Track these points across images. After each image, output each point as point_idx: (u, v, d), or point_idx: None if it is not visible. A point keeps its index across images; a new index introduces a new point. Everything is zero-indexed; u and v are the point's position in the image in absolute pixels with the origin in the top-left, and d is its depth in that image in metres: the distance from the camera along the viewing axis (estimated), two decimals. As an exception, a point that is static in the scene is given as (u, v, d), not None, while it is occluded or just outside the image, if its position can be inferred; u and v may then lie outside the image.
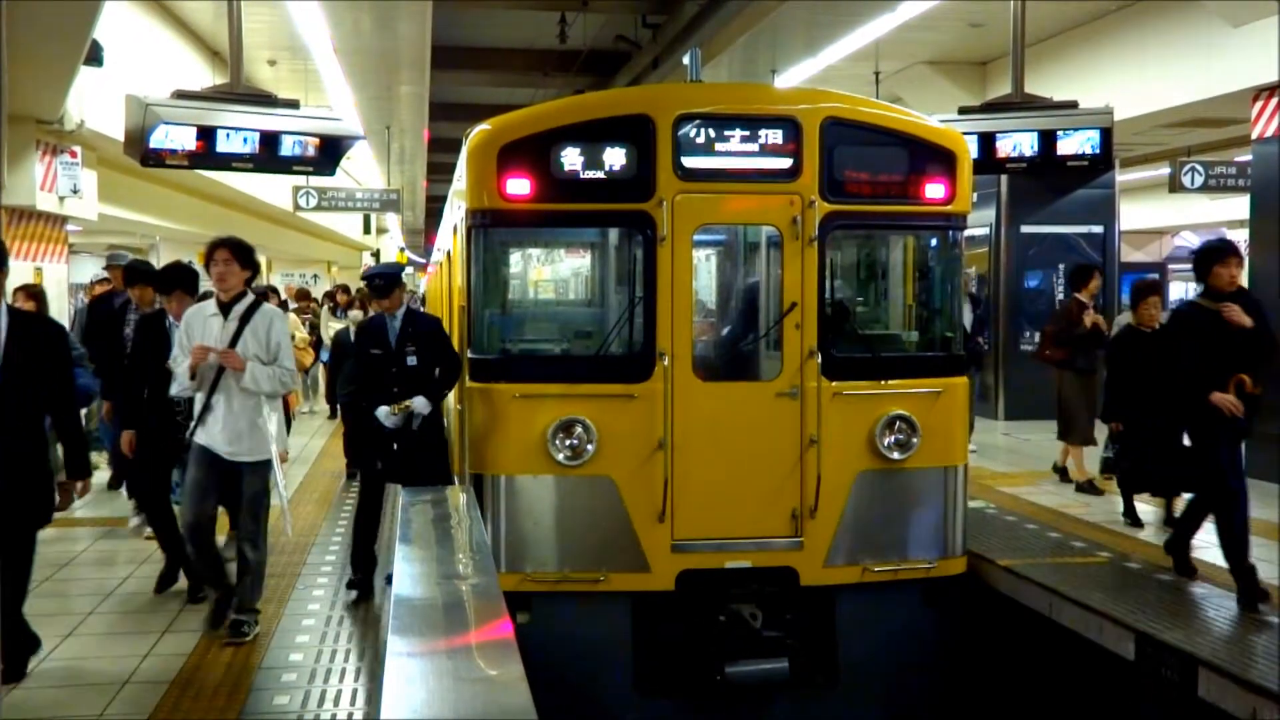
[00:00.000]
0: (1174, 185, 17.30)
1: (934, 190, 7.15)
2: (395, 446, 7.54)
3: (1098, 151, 10.34)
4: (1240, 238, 28.49)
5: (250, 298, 6.77)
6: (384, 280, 7.76)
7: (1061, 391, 10.44)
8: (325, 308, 20.10)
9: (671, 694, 7.00)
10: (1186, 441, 7.33)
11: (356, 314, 14.84)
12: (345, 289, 21.87)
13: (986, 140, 10.31)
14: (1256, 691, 5.32)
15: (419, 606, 4.10)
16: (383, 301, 7.73)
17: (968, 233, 7.71)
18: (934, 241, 7.64)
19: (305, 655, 6.34)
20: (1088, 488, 10.15)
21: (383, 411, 7.50)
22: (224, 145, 9.17)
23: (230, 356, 6.51)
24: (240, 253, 6.72)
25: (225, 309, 6.69)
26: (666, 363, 6.81)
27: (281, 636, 6.71)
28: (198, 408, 6.68)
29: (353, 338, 10.82)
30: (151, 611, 7.19)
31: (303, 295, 20.84)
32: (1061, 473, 10.71)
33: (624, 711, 6.97)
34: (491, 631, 3.74)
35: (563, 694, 6.67)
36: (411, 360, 7.56)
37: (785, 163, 6.92)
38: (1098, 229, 15.68)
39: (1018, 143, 10.38)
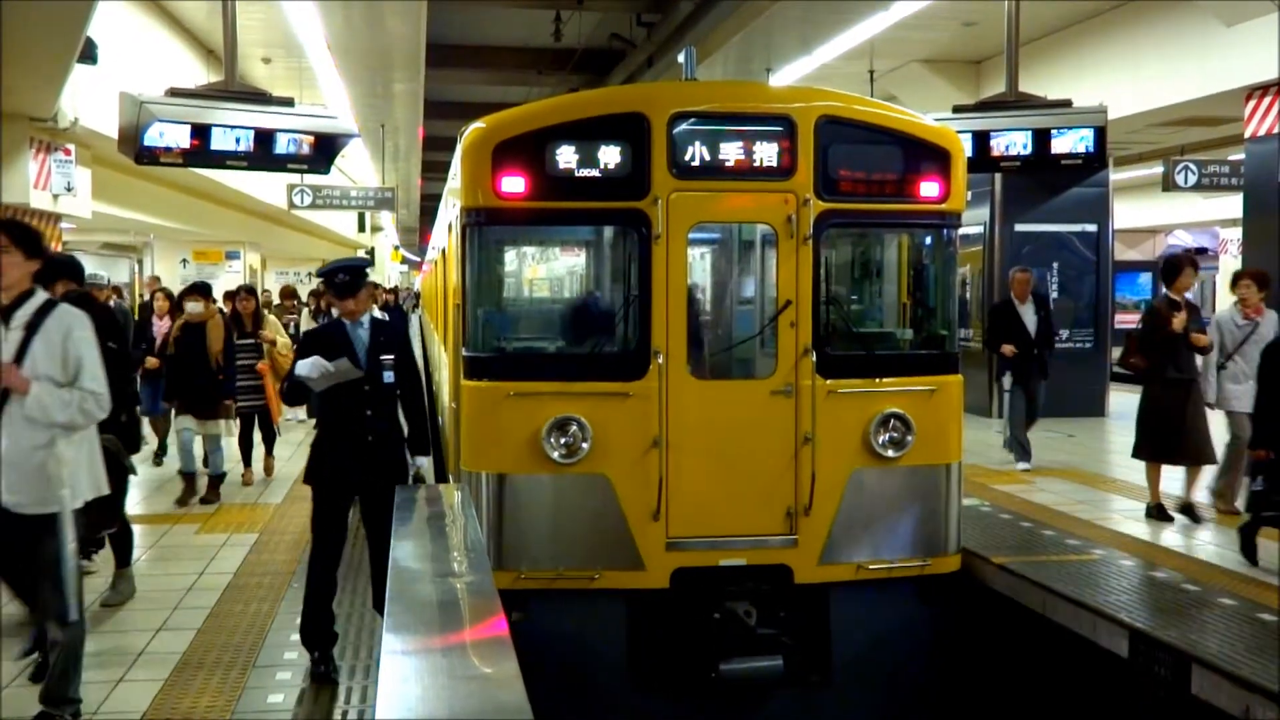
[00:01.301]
0: (1167, 184, 17.35)
1: (928, 188, 7.16)
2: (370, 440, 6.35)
3: (1092, 150, 10.37)
4: (1233, 237, 28.60)
5: (40, 298, 5.26)
6: (349, 274, 6.48)
7: (1155, 407, 8.98)
8: (306, 310, 17.66)
9: (666, 692, 7.00)
10: None
11: None
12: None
13: (981, 139, 10.33)
14: (1249, 688, 5.33)
15: (414, 604, 4.10)
16: (347, 303, 6.45)
17: (962, 231, 7.72)
18: (928, 240, 7.65)
19: (300, 653, 6.33)
20: (1158, 512, 8.97)
21: (307, 364, 6.20)
22: (218, 143, 9.16)
23: (10, 374, 5.01)
24: (23, 237, 5.24)
25: (6, 314, 5.18)
26: (661, 361, 6.81)
27: (276, 634, 6.71)
28: None
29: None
30: (145, 609, 7.19)
31: (288, 294, 18.61)
32: (1188, 511, 8.96)
33: (619, 709, 6.97)
34: (486, 629, 3.74)
35: (558, 692, 6.67)
36: (389, 377, 6.45)
37: (780, 161, 6.93)
38: (1091, 227, 15.70)
39: (1012, 141, 10.40)
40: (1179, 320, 8.79)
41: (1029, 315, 11.41)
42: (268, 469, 12.00)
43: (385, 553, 5.03)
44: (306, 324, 16.43)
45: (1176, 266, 9.15)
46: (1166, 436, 8.91)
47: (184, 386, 10.65)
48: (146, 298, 16.86)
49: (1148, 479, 9.17)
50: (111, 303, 12.44)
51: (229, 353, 10.80)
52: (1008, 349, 11.20)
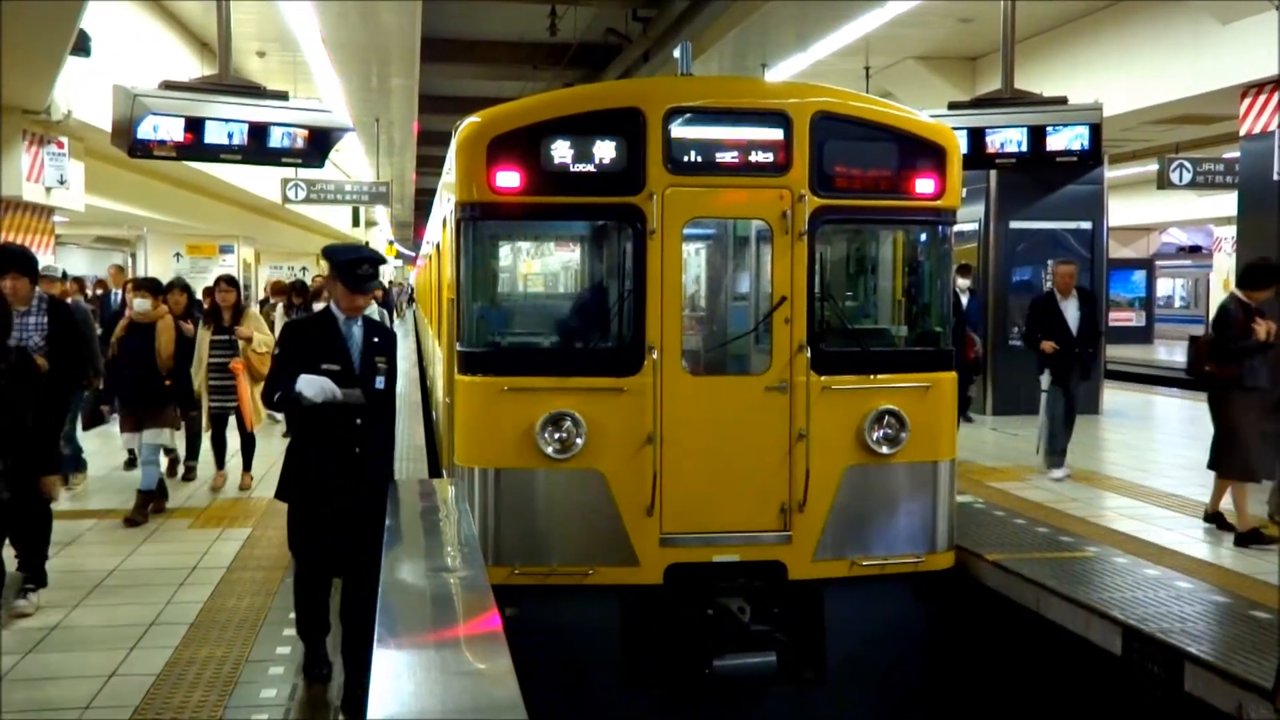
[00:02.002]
0: (1162, 181, 17.37)
1: (924, 185, 7.16)
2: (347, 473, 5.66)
3: (1087, 147, 10.38)
4: (1227, 235, 28.64)
5: None
6: (374, 267, 5.89)
7: (1226, 415, 8.22)
8: (279, 306, 15.83)
9: (659, 688, 7.00)
10: None
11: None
12: (298, 287, 15.96)
13: (976, 136, 10.33)
14: (1242, 686, 5.34)
15: (407, 600, 4.09)
16: (358, 298, 5.84)
17: (957, 228, 7.71)
18: (923, 236, 7.65)
19: (293, 648, 6.31)
20: (1253, 537, 8.01)
21: (314, 386, 5.59)
22: (212, 136, 9.14)
23: None
24: None
25: None
26: (656, 356, 6.81)
27: (269, 628, 6.68)
28: None
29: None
30: (137, 604, 7.17)
31: (279, 290, 16.85)
32: (1217, 519, 8.46)
33: (612, 705, 6.97)
34: (480, 625, 3.73)
35: (551, 687, 6.66)
36: (380, 382, 5.86)
37: (775, 157, 6.92)
38: (1086, 225, 15.71)
39: (1007, 138, 10.40)
40: (1264, 328, 8.02)
41: (1071, 310, 10.67)
42: (243, 484, 10.64)
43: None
44: (282, 320, 14.75)
45: (1269, 276, 8.31)
46: (1253, 449, 8.15)
47: (131, 395, 9.48)
48: (117, 292, 15.69)
49: (1235, 500, 8.23)
50: (70, 300, 11.24)
51: (182, 356, 9.62)
52: (1048, 345, 10.45)
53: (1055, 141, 10.38)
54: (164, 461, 10.16)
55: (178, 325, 9.75)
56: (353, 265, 5.81)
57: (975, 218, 15.60)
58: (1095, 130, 10.32)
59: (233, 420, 10.70)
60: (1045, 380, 10.63)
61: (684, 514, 6.89)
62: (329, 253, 6.10)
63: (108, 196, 17.42)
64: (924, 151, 7.19)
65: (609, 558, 6.84)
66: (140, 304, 9.51)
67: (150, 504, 9.39)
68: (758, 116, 6.94)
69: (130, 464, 10.99)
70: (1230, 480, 8.31)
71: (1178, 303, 39.45)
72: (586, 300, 8.01)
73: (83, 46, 11.19)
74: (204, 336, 10.42)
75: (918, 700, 7.39)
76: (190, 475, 10.99)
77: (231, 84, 9.54)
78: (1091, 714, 6.55)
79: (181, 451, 11.04)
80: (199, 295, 13.16)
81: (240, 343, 10.46)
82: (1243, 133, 12.20)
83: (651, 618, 6.95)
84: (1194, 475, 10.46)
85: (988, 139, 10.39)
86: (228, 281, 10.88)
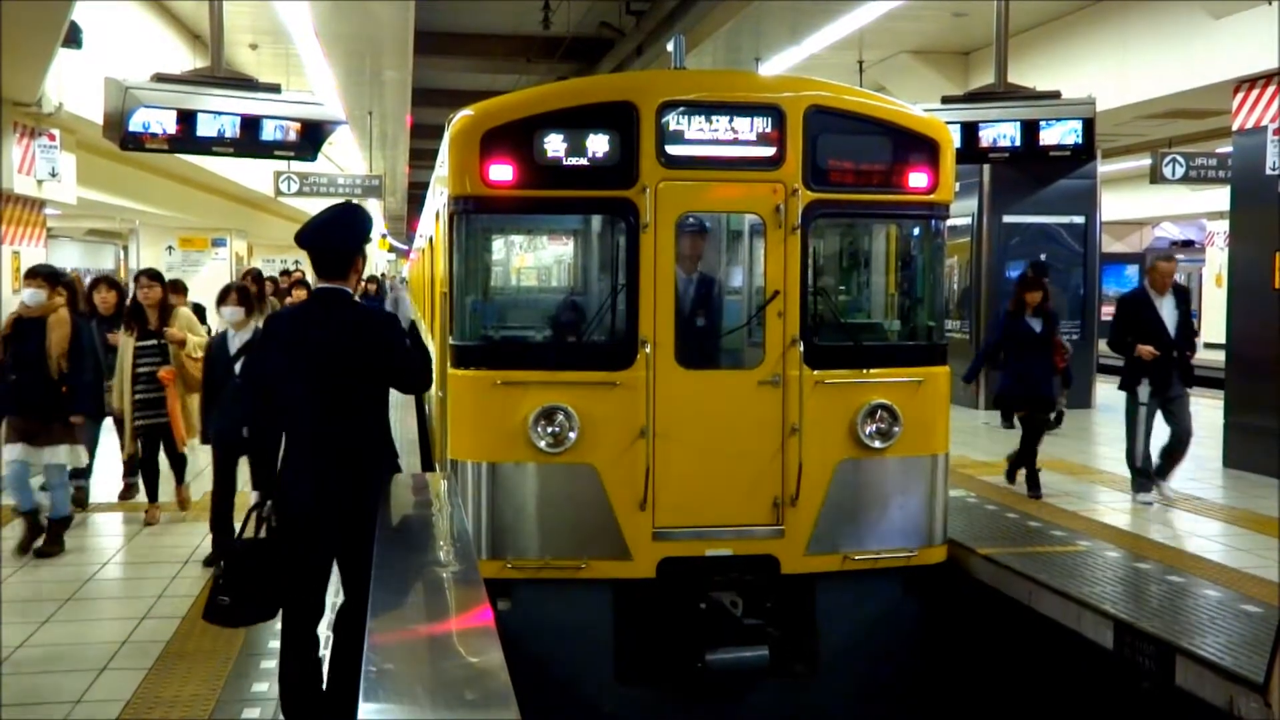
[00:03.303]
0: (1155, 176, 17.33)
1: (917, 179, 7.16)
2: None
3: (1080, 142, 10.37)
4: (1220, 229, 28.68)
5: None
6: None
7: None
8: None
9: (652, 681, 7.01)
10: None
11: (236, 312, 8.03)
12: (255, 277, 13.92)
13: (969, 130, 10.31)
14: (1233, 680, 5.35)
15: (399, 593, 4.08)
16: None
17: (950, 223, 7.72)
18: (916, 230, 7.65)
19: (285, 642, 6.29)
20: None
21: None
22: (204, 129, 9.11)
23: None
24: None
25: None
26: (649, 350, 6.80)
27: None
28: None
29: (232, 343, 7.80)
30: (131, 597, 7.16)
31: (258, 281, 14.15)
32: None
33: (604, 699, 6.98)
34: (472, 619, 3.72)
35: (543, 681, 6.67)
36: None
37: (769, 151, 6.92)
38: (1079, 219, 15.72)
39: (1000, 133, 10.39)
40: None
41: (1168, 310, 9.32)
42: (182, 501, 9.28)
43: None
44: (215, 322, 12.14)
45: None
46: None
47: (20, 403, 8.13)
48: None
49: None
50: None
51: (76, 356, 8.13)
52: (1146, 350, 9.09)
53: (1048, 136, 10.37)
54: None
55: (100, 333, 8.81)
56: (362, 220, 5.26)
57: (968, 212, 15.60)
58: (1088, 125, 10.31)
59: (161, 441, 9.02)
60: (1144, 391, 9.27)
61: (677, 508, 6.89)
62: (350, 222, 5.26)
63: (99, 189, 17.37)
64: (917, 145, 7.19)
65: (602, 551, 6.84)
66: (32, 295, 8.10)
67: (51, 531, 8.15)
68: (751, 110, 6.93)
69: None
70: None
71: (1170, 297, 39.48)
72: (579, 294, 8.00)
73: (74, 39, 11.14)
74: (126, 343, 8.86)
75: (909, 694, 7.40)
76: (81, 497, 9.27)
77: (223, 76, 9.51)
78: (1083, 707, 6.57)
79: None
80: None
81: (171, 348, 8.82)
82: (1236, 127, 12.18)
83: (644, 611, 6.96)
84: (1185, 469, 10.48)
85: (981, 133, 10.38)
86: (150, 276, 9.14)
